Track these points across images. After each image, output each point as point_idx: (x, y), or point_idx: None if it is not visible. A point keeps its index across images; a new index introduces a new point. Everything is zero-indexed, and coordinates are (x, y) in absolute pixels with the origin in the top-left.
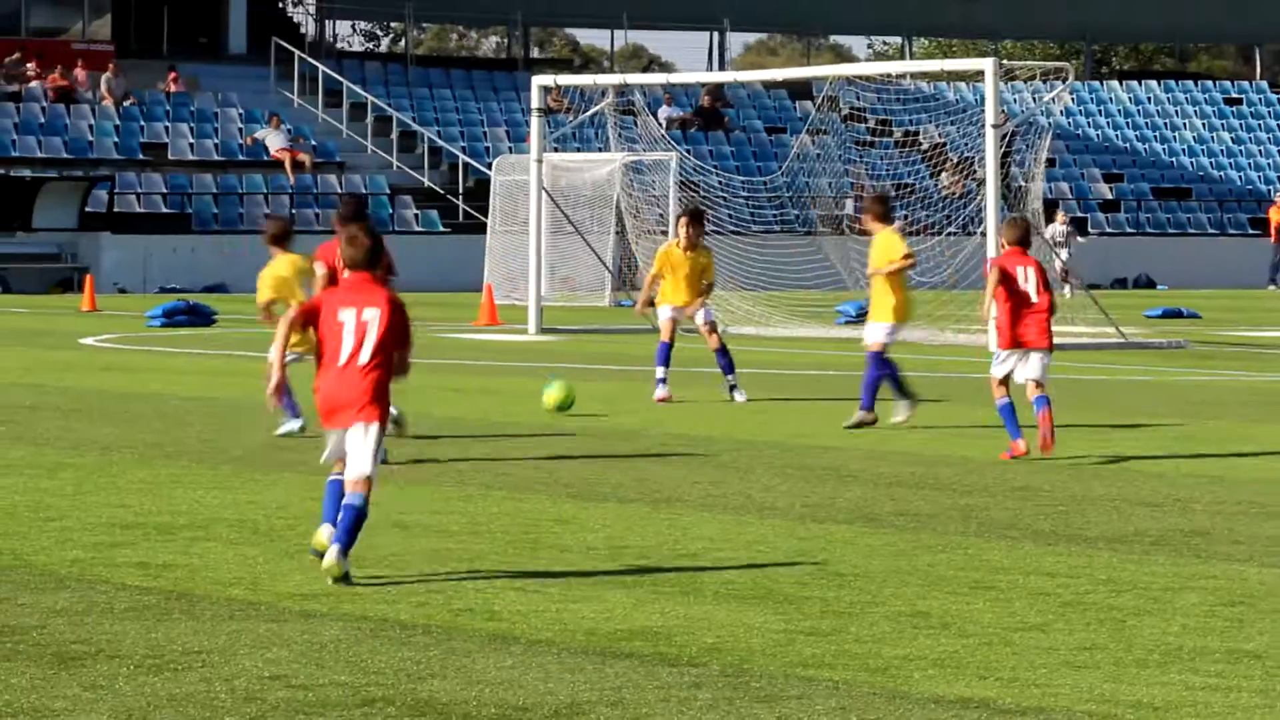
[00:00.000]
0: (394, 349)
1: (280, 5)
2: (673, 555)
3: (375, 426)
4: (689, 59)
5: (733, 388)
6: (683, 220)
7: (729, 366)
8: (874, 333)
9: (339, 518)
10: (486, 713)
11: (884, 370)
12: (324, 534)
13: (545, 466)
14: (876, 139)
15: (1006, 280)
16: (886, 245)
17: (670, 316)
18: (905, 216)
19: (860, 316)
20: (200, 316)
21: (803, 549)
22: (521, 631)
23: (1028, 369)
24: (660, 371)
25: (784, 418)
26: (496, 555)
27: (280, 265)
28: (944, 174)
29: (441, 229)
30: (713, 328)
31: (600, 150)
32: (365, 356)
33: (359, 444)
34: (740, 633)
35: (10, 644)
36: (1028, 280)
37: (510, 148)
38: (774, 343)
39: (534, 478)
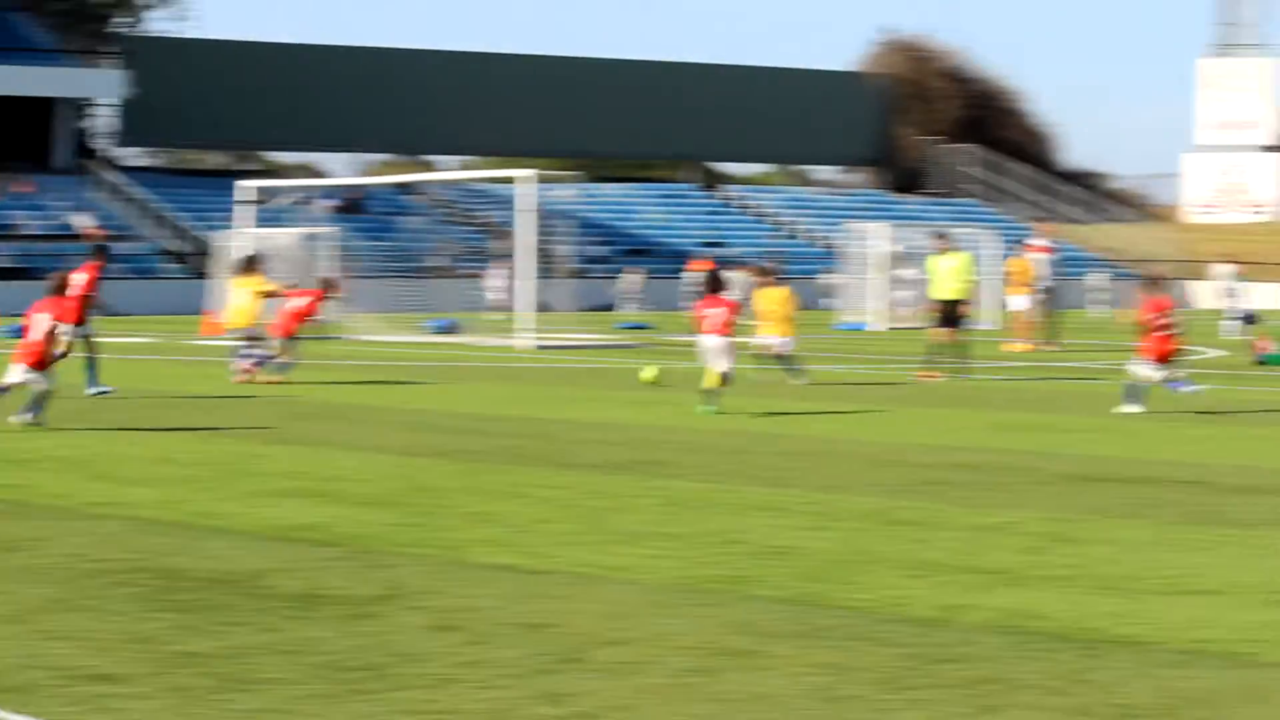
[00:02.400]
0: None
1: (90, 136)
2: (325, 478)
3: None
4: (341, 169)
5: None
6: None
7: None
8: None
9: None
10: (209, 575)
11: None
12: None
13: (241, 418)
14: (453, 219)
15: None
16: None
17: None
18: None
19: (441, 331)
20: None
21: (405, 474)
22: (231, 526)
23: None
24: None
25: (395, 391)
26: (215, 478)
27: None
28: (499, 241)
29: (186, 277)
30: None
31: (287, 226)
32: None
33: None
34: (367, 525)
35: None
36: None
37: (229, 226)
38: (390, 345)
39: (247, 426)
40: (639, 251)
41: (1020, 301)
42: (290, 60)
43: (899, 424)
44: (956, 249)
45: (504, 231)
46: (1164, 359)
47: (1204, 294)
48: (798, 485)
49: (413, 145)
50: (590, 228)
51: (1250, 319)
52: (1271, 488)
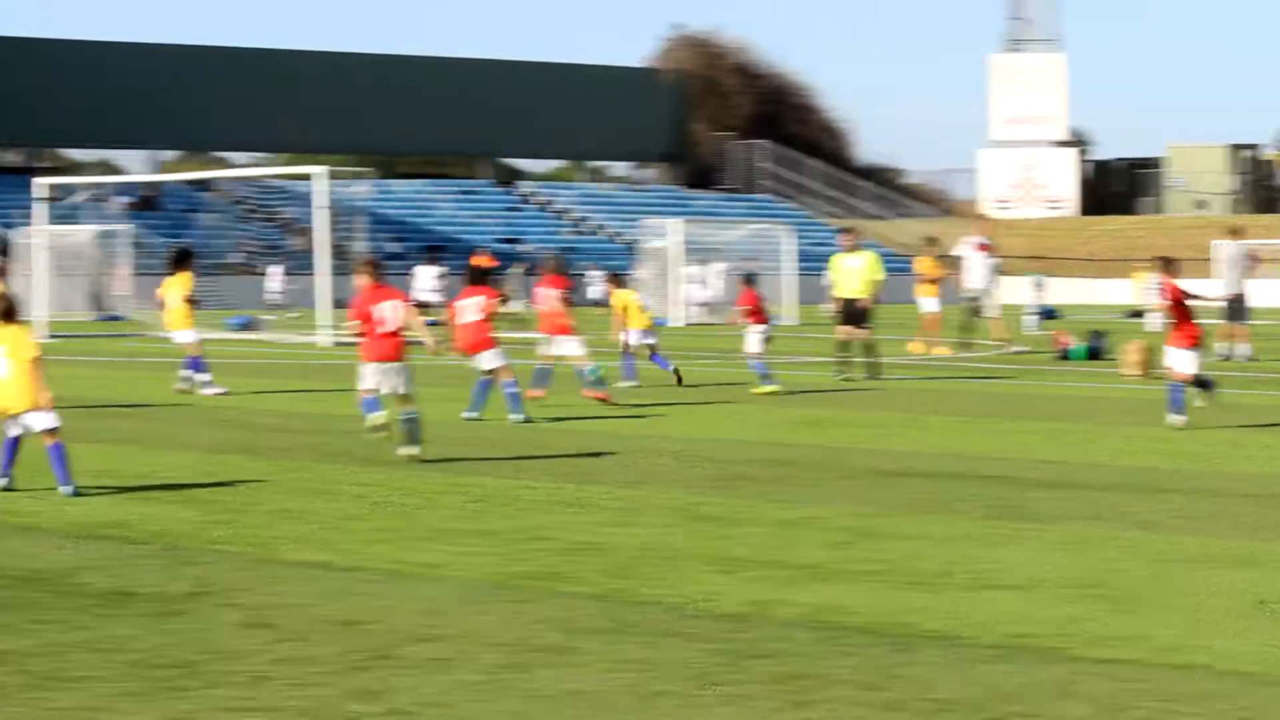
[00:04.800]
0: None
1: None
2: (133, 475)
3: None
4: (136, 166)
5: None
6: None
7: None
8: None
9: None
10: (19, 573)
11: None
12: None
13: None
14: (251, 216)
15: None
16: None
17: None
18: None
19: (240, 328)
20: None
21: (211, 471)
22: (39, 523)
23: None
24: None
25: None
26: (20, 476)
27: None
28: (297, 238)
29: None
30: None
31: (82, 223)
32: None
33: None
34: (176, 522)
35: None
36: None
37: (26, 223)
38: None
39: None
40: (435, 248)
41: (928, 302)
42: (84, 57)
43: (703, 420)
44: (861, 247)
45: (300, 228)
46: (1195, 345)
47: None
48: (603, 481)
49: (206, 142)
50: (386, 224)
51: (1050, 314)
52: (1074, 482)
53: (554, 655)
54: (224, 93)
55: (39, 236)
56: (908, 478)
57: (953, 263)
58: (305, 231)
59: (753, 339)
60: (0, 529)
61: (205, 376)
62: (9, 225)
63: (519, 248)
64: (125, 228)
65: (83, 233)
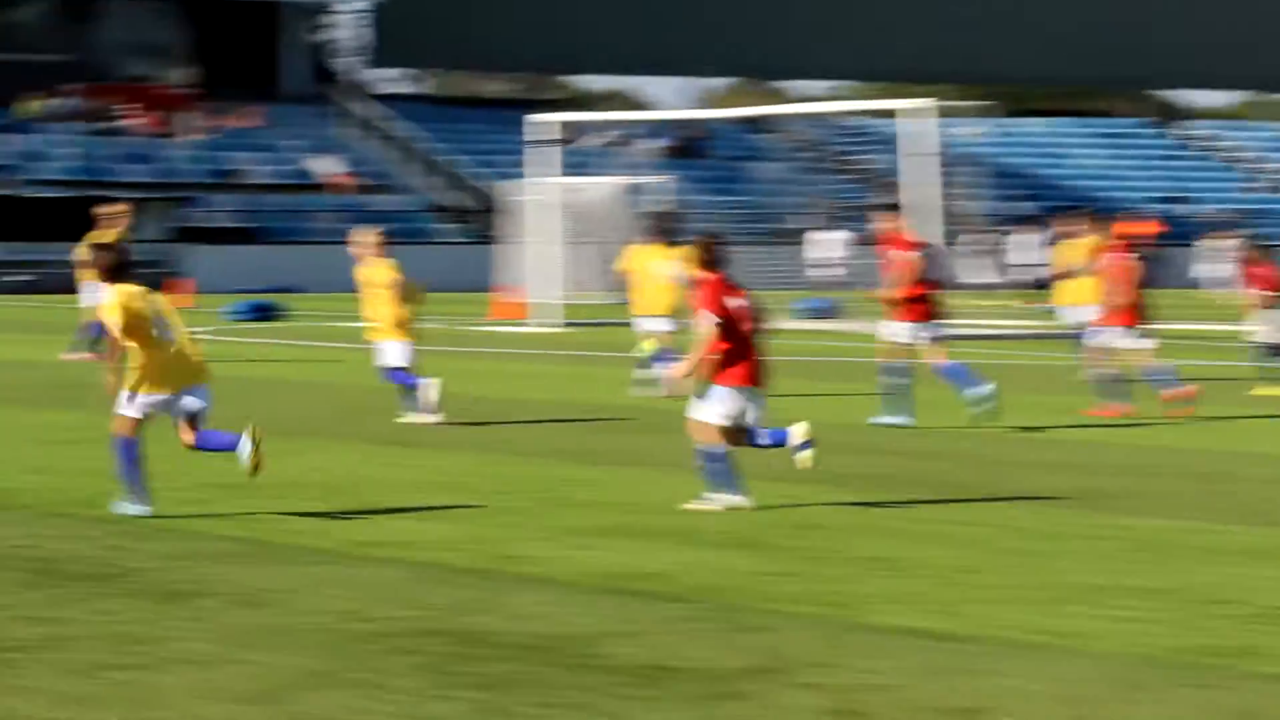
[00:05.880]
0: None
1: (330, 55)
2: (672, 510)
3: None
4: (669, 99)
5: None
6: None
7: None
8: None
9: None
10: (523, 641)
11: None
12: None
13: (550, 432)
14: (823, 166)
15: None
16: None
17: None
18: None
19: (813, 315)
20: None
21: (779, 505)
22: (549, 574)
23: None
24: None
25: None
26: (525, 511)
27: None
28: (882, 195)
29: (467, 241)
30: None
31: (600, 174)
32: None
33: None
34: (730, 575)
35: (129, 583)
36: None
37: (521, 174)
38: None
39: (557, 444)
40: (1069, 208)
41: None
42: None
43: None
44: None
45: (889, 182)
46: None
47: None
48: None
49: (767, 67)
50: (1008, 177)
51: None
52: None
53: None
54: (786, 2)
55: (540, 191)
56: None
57: None
58: (896, 187)
59: (1266, 325)
60: (496, 580)
61: (649, 375)
62: (499, 175)
63: (1189, 208)
64: (657, 181)
65: (598, 188)
